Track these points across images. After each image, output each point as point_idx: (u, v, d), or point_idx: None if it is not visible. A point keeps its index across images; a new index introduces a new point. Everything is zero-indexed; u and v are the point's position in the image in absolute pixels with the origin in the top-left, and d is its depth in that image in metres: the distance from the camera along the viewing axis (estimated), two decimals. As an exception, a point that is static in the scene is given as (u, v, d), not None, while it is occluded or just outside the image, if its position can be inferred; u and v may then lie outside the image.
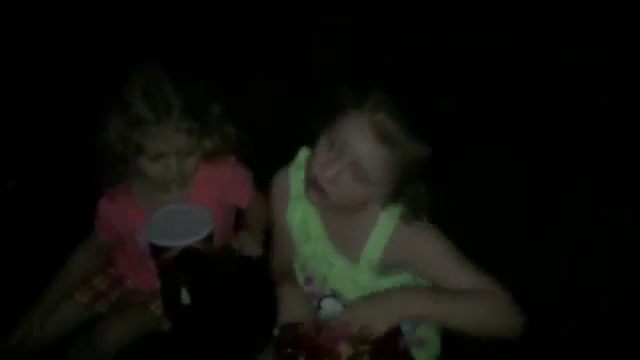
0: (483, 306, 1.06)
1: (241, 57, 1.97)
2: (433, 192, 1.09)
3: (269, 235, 1.34)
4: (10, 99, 2.05)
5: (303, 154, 1.24)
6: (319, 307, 1.20)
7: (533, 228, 1.42)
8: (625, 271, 1.34)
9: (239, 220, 1.46)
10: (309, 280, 1.26)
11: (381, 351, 1.06)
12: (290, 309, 1.18)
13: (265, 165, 1.35)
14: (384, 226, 1.14)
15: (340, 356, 1.04)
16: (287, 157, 1.33)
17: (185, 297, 1.18)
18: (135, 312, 1.38)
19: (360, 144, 1.02)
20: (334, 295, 1.21)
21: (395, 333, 1.08)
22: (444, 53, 1.54)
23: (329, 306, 1.20)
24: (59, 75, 2.10)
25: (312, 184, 1.09)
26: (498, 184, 1.45)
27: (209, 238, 1.19)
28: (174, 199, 1.30)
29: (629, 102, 1.41)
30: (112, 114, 1.26)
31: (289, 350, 1.08)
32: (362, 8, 1.82)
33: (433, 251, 1.11)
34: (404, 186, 1.07)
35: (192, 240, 1.16)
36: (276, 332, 1.13)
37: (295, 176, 1.25)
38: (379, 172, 1.03)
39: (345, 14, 1.86)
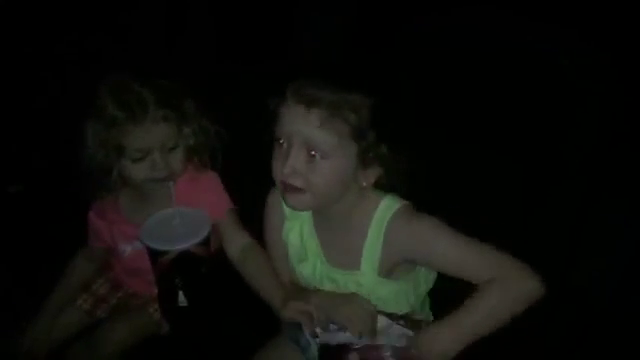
0: (500, 303, 1.03)
1: (239, 59, 1.97)
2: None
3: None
4: (12, 102, 2.06)
5: None
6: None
7: (526, 227, 1.43)
8: (617, 270, 1.35)
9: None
10: None
11: None
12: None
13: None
14: (378, 224, 1.12)
15: None
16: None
17: (182, 300, 1.19)
18: (135, 316, 1.39)
19: (297, 122, 1.04)
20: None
21: None
22: (440, 55, 1.55)
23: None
24: (61, 77, 2.10)
25: (284, 189, 1.09)
26: (492, 183, 1.45)
27: (206, 241, 1.20)
28: (158, 209, 1.26)
29: (621, 103, 1.41)
30: (88, 124, 1.27)
31: None
32: (361, 10, 1.82)
33: (437, 239, 1.08)
34: (365, 147, 1.06)
35: (189, 243, 1.17)
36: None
37: None
38: (329, 139, 1.03)
39: (343, 15, 1.86)
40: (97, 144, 1.25)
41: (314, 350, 1.19)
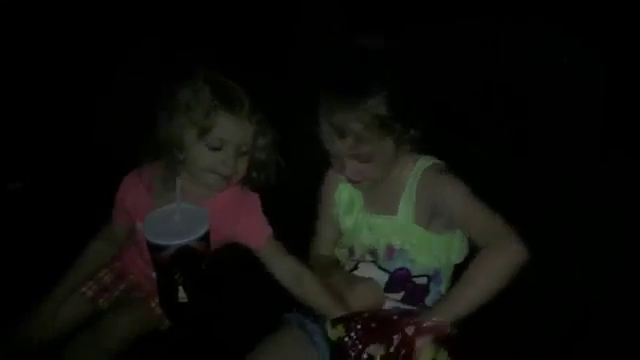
0: (494, 274, 1.16)
1: (241, 60, 1.98)
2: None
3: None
4: (13, 98, 2.05)
5: None
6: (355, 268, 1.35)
7: (523, 226, 1.42)
8: (613, 268, 1.36)
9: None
10: (352, 252, 1.38)
11: None
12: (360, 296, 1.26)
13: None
14: (415, 175, 1.31)
15: (416, 350, 1.09)
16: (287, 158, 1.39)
17: (182, 295, 1.20)
18: (136, 310, 1.38)
19: (337, 147, 1.24)
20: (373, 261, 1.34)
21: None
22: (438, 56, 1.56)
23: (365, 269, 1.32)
24: (60, 73, 2.10)
25: (349, 181, 1.32)
26: (489, 181, 1.45)
27: (205, 237, 1.20)
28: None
29: (617, 104, 1.42)
30: (179, 98, 1.28)
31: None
32: (357, 17, 1.84)
33: (456, 194, 1.25)
34: (397, 135, 1.23)
35: (188, 239, 1.17)
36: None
37: None
38: (366, 151, 1.23)
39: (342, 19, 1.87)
40: (181, 124, 1.27)
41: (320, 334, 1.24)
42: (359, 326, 1.12)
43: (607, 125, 1.43)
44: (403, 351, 1.08)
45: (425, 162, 1.33)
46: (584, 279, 1.38)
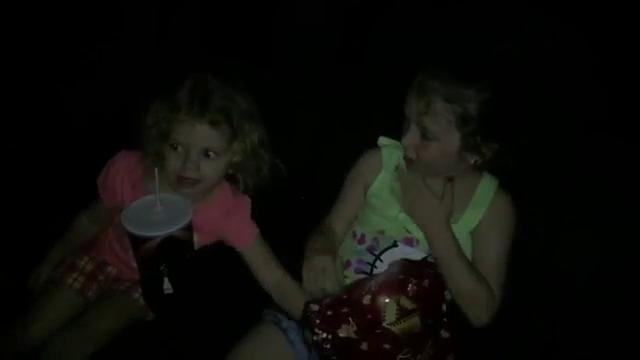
0: (471, 285, 1.23)
1: (225, 48, 1.90)
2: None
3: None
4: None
5: (383, 139, 1.38)
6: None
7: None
8: (596, 251, 1.36)
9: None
10: (380, 233, 1.34)
11: (429, 312, 1.16)
12: None
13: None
14: (484, 193, 1.30)
15: (380, 309, 1.12)
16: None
17: (167, 286, 1.20)
18: (119, 302, 1.37)
19: (410, 107, 1.21)
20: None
21: (440, 296, 1.20)
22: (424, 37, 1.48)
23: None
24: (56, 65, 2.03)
25: (403, 157, 1.28)
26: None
27: (189, 226, 1.20)
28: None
29: (605, 91, 1.36)
30: (156, 100, 1.27)
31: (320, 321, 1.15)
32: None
33: (501, 241, 1.27)
34: (466, 136, 1.18)
35: (173, 229, 1.17)
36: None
37: (387, 153, 1.38)
38: (434, 125, 1.18)
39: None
40: (153, 121, 1.27)
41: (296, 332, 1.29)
42: (318, 321, 1.15)
43: (591, 108, 1.38)
44: (369, 316, 1.13)
45: (493, 179, 1.32)
46: (568, 264, 1.38)
